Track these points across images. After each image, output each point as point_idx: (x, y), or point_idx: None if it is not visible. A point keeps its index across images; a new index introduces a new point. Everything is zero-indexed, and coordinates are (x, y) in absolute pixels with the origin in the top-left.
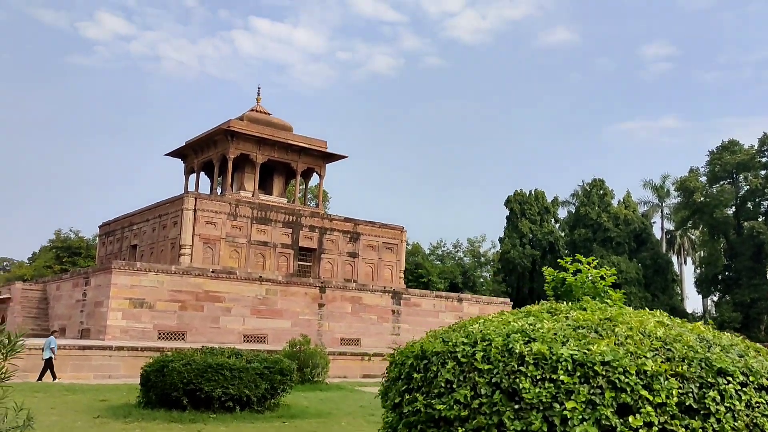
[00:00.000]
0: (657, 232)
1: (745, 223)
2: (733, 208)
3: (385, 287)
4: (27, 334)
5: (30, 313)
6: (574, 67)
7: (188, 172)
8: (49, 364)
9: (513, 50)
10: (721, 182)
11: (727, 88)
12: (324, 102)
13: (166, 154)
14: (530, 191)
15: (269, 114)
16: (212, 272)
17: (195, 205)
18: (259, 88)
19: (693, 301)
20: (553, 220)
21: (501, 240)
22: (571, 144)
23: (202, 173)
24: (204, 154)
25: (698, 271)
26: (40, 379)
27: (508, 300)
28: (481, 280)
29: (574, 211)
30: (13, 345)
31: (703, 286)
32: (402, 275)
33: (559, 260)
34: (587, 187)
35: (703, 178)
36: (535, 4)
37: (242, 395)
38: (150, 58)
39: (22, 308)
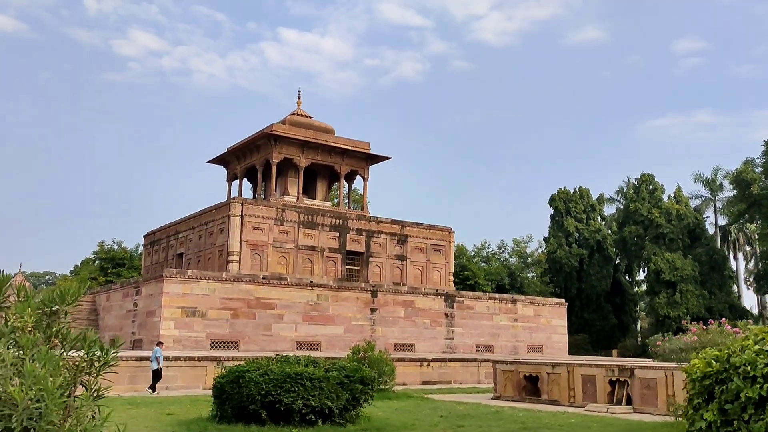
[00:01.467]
0: (709, 228)
1: None
2: None
3: (437, 290)
4: (121, 344)
5: (80, 325)
6: (604, 66)
7: (231, 178)
8: (157, 375)
9: (541, 51)
10: None
11: (762, 81)
12: (355, 108)
13: (209, 161)
14: (575, 189)
15: (310, 117)
16: (263, 278)
17: (242, 211)
18: (299, 91)
19: (746, 298)
20: (599, 217)
21: (546, 240)
22: (605, 142)
23: (244, 180)
24: (246, 159)
25: (757, 266)
26: (153, 389)
27: (563, 301)
28: (527, 281)
29: (621, 208)
30: (107, 358)
31: (763, 281)
32: (451, 277)
33: (609, 259)
34: (636, 183)
35: (759, 170)
36: (562, 3)
37: (324, 407)
38: (181, 73)
39: (73, 320)
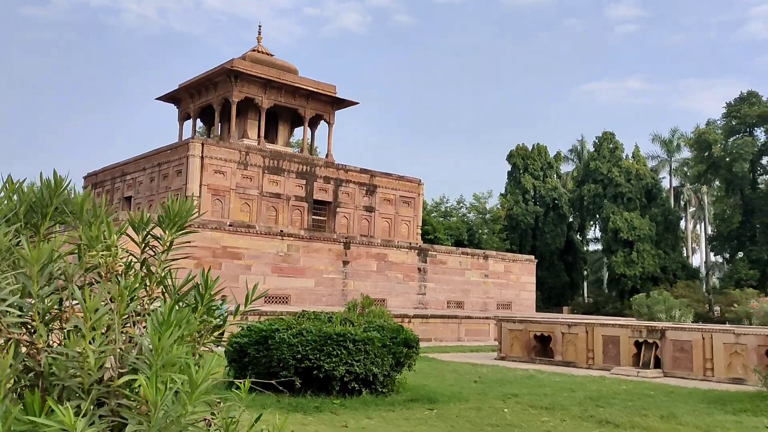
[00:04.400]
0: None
1: (765, 178)
2: (748, 163)
3: (410, 243)
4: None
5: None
6: (543, 28)
7: (183, 118)
8: None
9: (483, 9)
10: (738, 135)
11: (691, 50)
12: (295, 59)
13: (158, 98)
14: (533, 146)
15: (272, 55)
16: (230, 226)
17: (202, 152)
18: (260, 26)
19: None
20: (555, 175)
21: (503, 195)
22: (544, 104)
23: (198, 121)
24: (202, 98)
25: (707, 227)
26: None
27: (532, 257)
28: (485, 237)
29: (577, 166)
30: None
31: (717, 243)
32: (419, 231)
33: (563, 218)
34: (597, 141)
35: (719, 131)
36: None
37: (369, 373)
38: (109, 11)
39: None
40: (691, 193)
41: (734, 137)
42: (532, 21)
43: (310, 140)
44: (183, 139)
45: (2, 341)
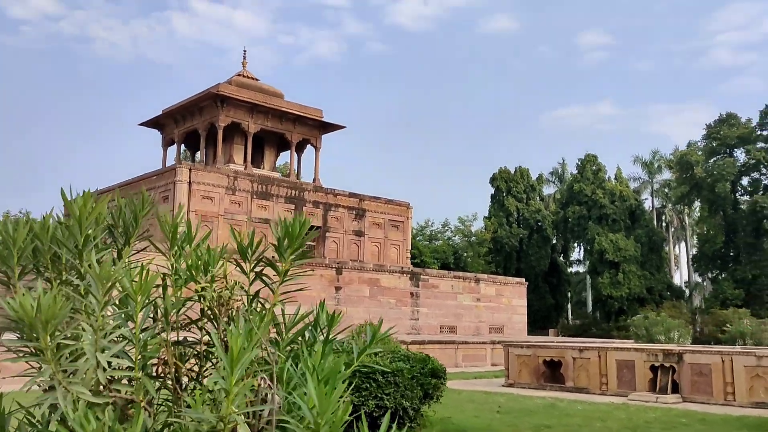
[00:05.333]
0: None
1: (745, 198)
2: (730, 184)
3: (402, 267)
4: None
5: None
6: (515, 54)
7: (167, 143)
8: None
9: (456, 37)
10: (718, 156)
11: (659, 77)
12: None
13: (141, 124)
14: (515, 168)
15: (257, 80)
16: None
17: (189, 177)
18: (245, 50)
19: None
20: (538, 197)
21: (487, 218)
22: (514, 129)
23: (183, 146)
24: (186, 123)
25: (690, 248)
26: None
27: (523, 280)
28: (471, 260)
29: (559, 189)
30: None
31: (701, 263)
32: (409, 255)
33: (547, 240)
34: (580, 163)
35: (699, 153)
36: None
37: (398, 407)
38: (81, 39)
39: None
40: (672, 214)
41: (715, 158)
42: (502, 48)
43: (297, 165)
44: (166, 165)
45: (105, 401)
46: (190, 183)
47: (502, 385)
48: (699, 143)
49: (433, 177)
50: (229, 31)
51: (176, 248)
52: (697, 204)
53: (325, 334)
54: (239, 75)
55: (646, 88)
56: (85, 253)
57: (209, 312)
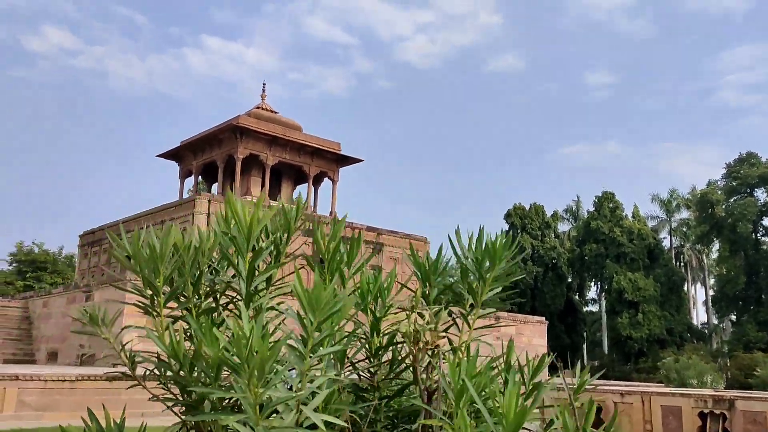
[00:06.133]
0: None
1: (766, 239)
2: (750, 224)
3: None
4: (6, 360)
5: (9, 335)
6: (521, 92)
7: (184, 175)
8: None
9: (463, 74)
10: (738, 196)
11: (666, 116)
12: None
13: (159, 156)
14: (530, 205)
15: (276, 112)
16: None
17: (209, 209)
18: (264, 84)
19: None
20: (553, 234)
21: None
22: (524, 165)
23: (199, 178)
24: (205, 155)
25: (710, 288)
26: None
27: (543, 319)
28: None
29: (576, 226)
30: None
31: (722, 304)
32: None
33: (562, 278)
34: (597, 201)
35: (719, 192)
36: (483, 31)
37: None
38: (96, 73)
39: (1, 329)
40: (691, 254)
41: (735, 197)
42: (509, 86)
43: (313, 198)
44: (183, 196)
45: None
46: (209, 214)
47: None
48: (719, 182)
49: (445, 211)
50: (240, 67)
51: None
52: (715, 244)
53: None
54: (258, 107)
55: (653, 127)
56: (255, 269)
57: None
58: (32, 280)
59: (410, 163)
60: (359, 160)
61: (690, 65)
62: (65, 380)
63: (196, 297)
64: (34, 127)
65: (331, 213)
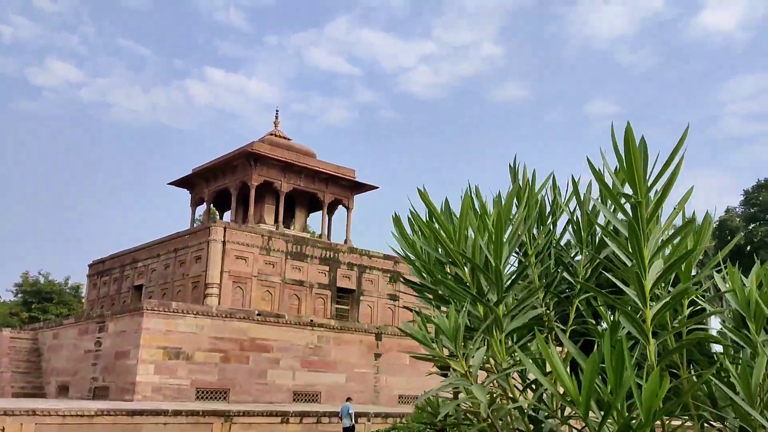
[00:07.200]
0: None
1: None
2: None
3: None
4: (15, 393)
5: (18, 368)
6: (524, 122)
7: (196, 203)
8: None
9: (465, 104)
10: (757, 223)
11: (669, 145)
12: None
13: (171, 183)
14: None
15: (289, 139)
16: (258, 315)
17: (224, 237)
18: (277, 111)
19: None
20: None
21: None
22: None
23: (211, 206)
24: (218, 182)
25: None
26: None
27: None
28: None
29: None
30: None
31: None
32: None
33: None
34: None
35: (737, 219)
36: (486, 61)
37: None
38: (100, 105)
39: (10, 361)
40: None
41: (753, 225)
42: (512, 115)
43: (327, 225)
44: (194, 225)
45: None
46: (224, 242)
47: None
48: (737, 209)
49: None
50: (244, 98)
51: None
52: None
53: None
54: (272, 134)
55: (657, 155)
56: None
57: None
58: (38, 311)
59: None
60: (374, 187)
61: (693, 95)
62: (84, 415)
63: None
64: (38, 157)
65: (345, 240)
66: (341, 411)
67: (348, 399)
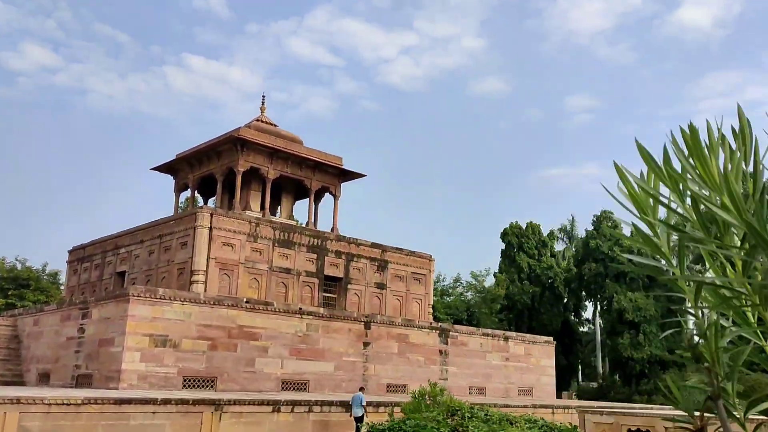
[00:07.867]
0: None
1: None
2: None
3: (431, 323)
4: None
5: None
6: (503, 116)
7: (180, 189)
8: (360, 422)
9: (446, 97)
10: None
11: (643, 140)
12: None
13: (154, 168)
14: (527, 224)
15: (276, 126)
16: (247, 302)
17: (211, 223)
18: (263, 96)
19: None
20: (549, 254)
21: (496, 275)
22: (509, 186)
23: (195, 192)
24: (202, 167)
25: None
26: None
27: (551, 339)
28: (484, 317)
29: (575, 244)
30: None
31: None
32: (431, 310)
33: (559, 298)
34: (596, 220)
35: None
36: (467, 54)
37: None
38: (76, 91)
39: None
40: (689, 273)
41: None
42: (491, 109)
43: (314, 213)
44: (178, 211)
45: None
46: (211, 228)
47: None
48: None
49: (438, 231)
50: (224, 86)
51: None
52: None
53: None
54: (258, 120)
55: (633, 151)
56: None
57: None
58: (14, 298)
59: (398, 182)
60: (362, 175)
61: (666, 91)
62: (70, 404)
63: None
64: (14, 143)
65: (332, 229)
66: (353, 400)
67: (361, 389)
